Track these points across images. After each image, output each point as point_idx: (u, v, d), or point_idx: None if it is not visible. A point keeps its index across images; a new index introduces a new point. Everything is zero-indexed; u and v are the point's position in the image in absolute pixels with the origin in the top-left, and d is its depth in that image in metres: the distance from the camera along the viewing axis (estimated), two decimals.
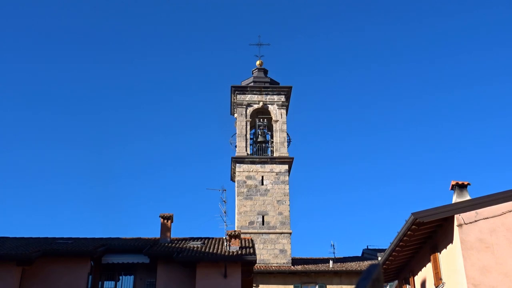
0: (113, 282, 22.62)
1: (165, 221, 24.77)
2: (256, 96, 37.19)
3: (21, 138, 72.46)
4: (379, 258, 24.36)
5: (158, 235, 24.96)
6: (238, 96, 37.11)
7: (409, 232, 17.51)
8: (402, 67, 74.95)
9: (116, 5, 77.35)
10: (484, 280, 15.74)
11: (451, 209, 16.92)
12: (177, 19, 79.09)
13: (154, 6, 77.85)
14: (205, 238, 25.46)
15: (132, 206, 72.64)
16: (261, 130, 36.65)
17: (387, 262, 20.51)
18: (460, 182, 18.45)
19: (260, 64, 39.58)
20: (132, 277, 22.69)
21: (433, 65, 74.53)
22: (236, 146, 35.89)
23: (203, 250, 22.78)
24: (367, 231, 69.39)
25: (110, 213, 71.91)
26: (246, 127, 36.41)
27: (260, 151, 36.27)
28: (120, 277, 22.75)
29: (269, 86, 37.75)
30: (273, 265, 32.15)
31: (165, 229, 24.66)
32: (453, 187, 18.55)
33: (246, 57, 68.15)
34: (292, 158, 35.39)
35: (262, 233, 33.08)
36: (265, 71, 39.53)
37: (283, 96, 37.29)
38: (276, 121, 36.65)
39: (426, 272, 19.36)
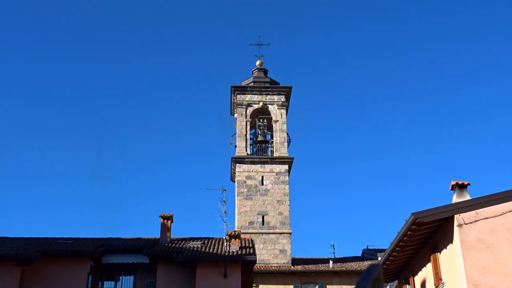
0: (113, 282, 22.62)
1: (165, 221, 24.77)
2: (256, 96, 37.19)
3: (21, 138, 72.55)
4: (379, 258, 24.36)
5: (158, 235, 24.97)
6: (238, 96, 37.12)
7: (409, 232, 17.51)
8: (402, 67, 75.04)
9: (116, 5, 77.41)
10: (484, 280, 15.74)
11: (451, 209, 16.91)
12: (177, 19, 79.16)
13: (154, 6, 77.92)
14: (205, 238, 25.46)
15: (132, 206, 72.72)
16: (261, 130, 36.66)
17: (387, 262, 20.51)
18: (460, 182, 18.45)
19: (260, 64, 39.58)
20: (132, 277, 22.69)
21: (433, 65, 74.63)
22: (236, 146, 35.89)
23: (203, 250, 22.78)
24: (367, 231, 69.45)
25: (110, 213, 71.97)
26: (246, 127, 36.41)
27: (260, 151, 36.27)
28: (120, 277, 22.75)
29: (269, 86, 37.76)
30: (273, 265, 32.15)
31: (165, 229, 24.66)
32: (453, 187, 18.54)
33: (246, 57, 68.22)
34: (292, 158, 35.39)
35: (262, 233, 33.08)
36: (265, 71, 39.53)
37: (283, 96, 37.29)
38: (276, 121, 36.65)
39: (426, 272, 19.36)
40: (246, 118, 36.62)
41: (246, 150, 35.67)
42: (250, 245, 23.56)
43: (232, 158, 35.37)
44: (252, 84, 37.82)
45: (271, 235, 33.14)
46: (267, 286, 30.96)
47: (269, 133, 37.08)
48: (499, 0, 71.99)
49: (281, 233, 33.23)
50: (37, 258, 21.05)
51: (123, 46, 77.11)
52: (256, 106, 37.01)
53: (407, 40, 76.04)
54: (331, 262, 32.27)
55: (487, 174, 69.59)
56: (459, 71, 75.15)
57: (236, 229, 28.12)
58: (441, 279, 17.86)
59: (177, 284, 21.82)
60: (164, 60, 76.81)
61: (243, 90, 37.30)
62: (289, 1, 76.44)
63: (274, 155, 35.59)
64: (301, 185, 67.80)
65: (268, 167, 34.97)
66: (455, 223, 16.46)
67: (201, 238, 25.49)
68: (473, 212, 16.57)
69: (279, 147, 35.82)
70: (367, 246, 36.61)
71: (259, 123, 36.67)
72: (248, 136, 36.38)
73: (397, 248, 19.05)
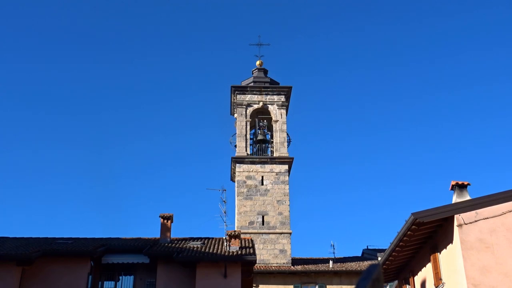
0: (113, 282, 22.62)
1: (165, 221, 24.77)
2: (256, 96, 37.19)
3: (21, 138, 72.55)
4: (379, 258, 24.36)
5: (158, 235, 24.97)
6: (238, 96, 37.11)
7: (409, 232, 17.51)
8: (402, 67, 75.02)
9: (116, 5, 77.41)
10: (484, 280, 15.74)
11: (451, 209, 16.91)
12: (177, 19, 79.16)
13: (154, 6, 77.91)
14: (205, 238, 25.46)
15: (132, 206, 72.72)
16: (261, 130, 36.66)
17: (387, 262, 20.51)
18: (460, 182, 18.44)
19: (260, 64, 39.58)
20: (132, 277, 22.69)
21: (433, 65, 74.63)
22: (236, 146, 35.90)
23: (203, 250, 22.78)
24: (367, 231, 69.44)
25: (110, 213, 71.98)
26: (246, 127, 36.41)
27: (260, 151, 36.27)
28: (120, 277, 22.75)
29: (269, 86, 37.75)
30: (273, 265, 32.15)
31: (165, 229, 24.66)
32: (453, 187, 18.54)
33: (246, 57, 68.19)
34: (292, 158, 35.39)
35: (262, 233, 33.08)
36: (265, 71, 39.53)
37: (283, 96, 37.29)
38: (276, 121, 36.65)
39: (426, 272, 19.36)
40: (246, 118, 36.62)
41: (246, 150, 35.67)
42: (250, 245, 23.57)
43: (232, 158, 35.37)
44: (252, 84, 37.82)
45: (271, 235, 33.13)
46: (267, 286, 30.95)
47: (269, 133, 37.08)
48: (499, 0, 72.05)
49: (281, 233, 33.23)
50: (37, 258, 21.05)
51: (123, 46, 77.18)
52: (256, 106, 37.01)
53: (407, 40, 76.11)
54: (331, 262, 32.26)
55: (487, 174, 69.65)
56: (459, 71, 75.24)
57: (236, 229, 28.12)
58: (441, 279, 17.86)
59: (177, 284, 21.82)
60: (164, 60, 76.89)
61: (243, 90, 37.30)
62: (289, 1, 76.49)
63: (274, 155, 35.59)
64: (301, 185, 67.88)
65: (268, 167, 34.97)
66: (455, 223, 16.46)
67: (201, 238, 25.49)
68: (473, 212, 16.57)
69: (279, 147, 35.82)
70: (367, 246, 36.65)
71: (259, 123, 36.68)
72: (248, 136, 36.38)
73: (397, 248, 19.05)
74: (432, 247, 18.46)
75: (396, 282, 23.68)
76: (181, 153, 76.90)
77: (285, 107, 37.10)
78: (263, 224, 33.43)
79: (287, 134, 36.57)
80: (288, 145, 36.22)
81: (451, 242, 16.79)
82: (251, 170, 34.78)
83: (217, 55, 76.55)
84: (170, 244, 23.68)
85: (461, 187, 18.36)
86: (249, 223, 33.36)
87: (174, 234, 25.36)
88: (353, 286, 28.80)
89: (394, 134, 74.92)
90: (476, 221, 16.44)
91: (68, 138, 73.22)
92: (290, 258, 32.63)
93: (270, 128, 37.11)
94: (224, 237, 24.56)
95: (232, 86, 37.44)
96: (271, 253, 32.65)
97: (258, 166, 34.97)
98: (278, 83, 38.53)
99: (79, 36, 74.65)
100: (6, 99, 71.28)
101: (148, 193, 74.40)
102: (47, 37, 74.51)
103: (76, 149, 73.40)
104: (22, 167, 71.72)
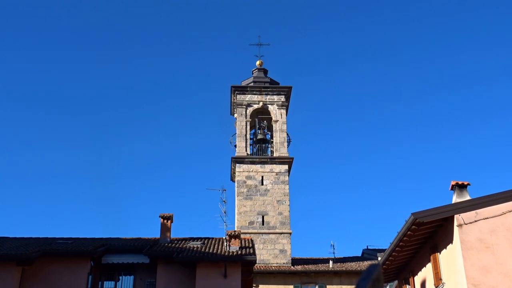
0: (113, 282, 22.62)
1: (165, 221, 24.77)
2: (256, 96, 37.19)
3: (21, 138, 72.54)
4: (379, 258, 24.36)
5: (158, 235, 24.97)
6: (238, 96, 37.12)
7: (409, 232, 17.51)
8: (402, 67, 75.03)
9: (116, 5, 77.42)
10: (484, 280, 15.74)
11: (451, 209, 16.92)
12: (177, 19, 79.16)
13: (154, 6, 77.92)
14: (205, 238, 25.46)
15: (132, 206, 72.72)
16: (261, 130, 36.67)
17: (387, 262, 20.51)
18: (460, 182, 18.44)
19: (260, 64, 39.58)
20: (132, 277, 22.68)
21: (433, 65, 74.64)
22: (236, 146, 35.90)
23: (203, 250, 22.78)
24: (367, 231, 69.45)
25: (110, 213, 71.98)
26: (246, 127, 36.41)
27: (260, 151, 36.27)
28: (120, 277, 22.75)
29: (269, 86, 37.76)
30: (273, 265, 32.15)
31: (165, 229, 24.66)
32: (453, 187, 18.54)
33: (246, 57, 68.21)
34: (292, 158, 35.39)
35: (262, 233, 33.08)
36: (265, 71, 39.53)
37: (283, 96, 37.29)
38: (276, 121, 36.65)
39: (426, 272, 19.36)
40: (246, 118, 36.62)
41: (246, 150, 35.67)
42: (250, 245, 23.56)
43: (232, 158, 35.37)
44: (252, 84, 37.82)
45: (271, 235, 33.13)
46: (267, 286, 30.95)
47: (269, 133, 37.08)
48: (499, 0, 72.06)
49: (281, 233, 33.22)
50: (37, 258, 21.05)
51: (123, 46, 77.19)
52: (256, 106, 37.01)
53: (407, 40, 76.12)
54: (331, 262, 32.26)
55: (487, 174, 69.65)
56: (459, 71, 75.24)
57: (236, 229, 28.12)
58: (441, 279, 17.86)
59: (177, 284, 21.82)
60: (164, 60, 76.90)
61: (243, 90, 37.30)
62: (289, 1, 76.50)
63: (274, 155, 35.60)
64: (301, 185, 67.88)
65: (268, 167, 34.97)
66: (455, 223, 16.46)
67: (201, 238, 25.48)
68: (473, 212, 16.57)
69: (279, 147, 35.82)
70: (367, 246, 36.65)
71: (259, 123, 36.68)
72: (248, 136, 36.38)
73: (397, 248, 19.05)
74: (432, 247, 18.46)
75: (396, 282, 23.68)
76: (181, 153, 76.98)
77: (285, 107, 37.10)
78: (263, 224, 33.43)
79: (287, 134, 36.59)
80: (288, 145, 36.24)
81: (451, 242, 16.79)
82: (251, 170, 34.78)
83: (217, 55, 76.64)
84: (170, 244, 23.68)
85: (461, 187, 18.36)
86: (249, 223, 33.36)
87: (174, 234, 25.41)
88: (353, 286, 28.80)
89: (394, 134, 75.01)
90: (476, 221, 16.45)
91: (68, 138, 73.30)
92: (290, 258, 32.63)
93: (270, 128, 37.11)
94: (224, 237, 24.56)
95: (232, 86, 37.44)
96: (271, 253, 32.65)
97: (258, 166, 34.97)
98: (278, 83, 38.54)
99: (79, 36, 74.74)
100: (6, 99, 71.35)
101: (148, 193, 74.48)
102: (47, 37, 74.58)
103: (76, 149, 73.48)
104: (22, 167, 71.80)
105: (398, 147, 75.07)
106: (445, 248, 17.31)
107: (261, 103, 36.95)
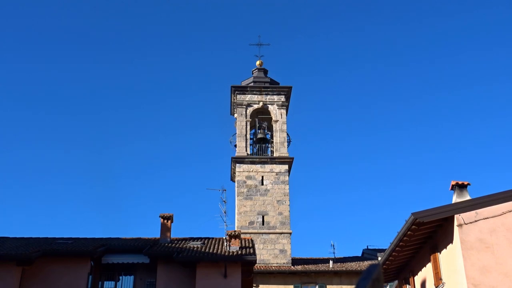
0: (113, 282, 22.62)
1: (165, 221, 24.76)
2: (256, 96, 37.20)
3: (21, 138, 72.55)
4: (379, 258, 24.36)
5: (158, 235, 24.96)
6: (238, 96, 37.12)
7: (409, 232, 17.50)
8: (402, 67, 75.04)
9: (116, 5, 77.42)
10: (484, 280, 15.74)
11: (451, 209, 16.91)
12: (177, 19, 79.16)
13: (154, 6, 77.92)
14: (205, 238, 25.45)
15: (132, 206, 72.73)
16: (262, 130, 36.68)
17: (387, 262, 20.51)
18: (460, 182, 18.45)
19: (260, 64, 39.58)
20: (132, 277, 22.68)
21: (433, 65, 74.65)
22: (236, 146, 35.91)
23: (203, 250, 22.77)
24: (367, 231, 69.46)
25: (110, 213, 71.99)
26: (246, 127, 36.41)
27: (260, 151, 36.28)
28: (120, 277, 22.75)
29: (269, 86, 37.76)
30: (273, 265, 32.15)
31: (165, 229, 24.66)
32: (453, 187, 18.54)
33: (246, 57, 68.22)
34: (292, 158, 35.39)
35: (262, 233, 33.08)
36: (265, 71, 39.53)
37: (283, 96, 37.29)
38: (276, 121, 36.66)
39: (426, 272, 19.36)
40: (246, 118, 36.62)
41: (246, 150, 35.68)
42: (250, 245, 23.56)
43: (232, 158, 35.37)
44: (252, 84, 37.82)
45: (271, 235, 33.14)
46: (267, 286, 30.96)
47: (269, 133, 37.10)
48: (499, 0, 72.06)
49: (281, 233, 33.23)
50: (37, 258, 21.05)
51: (123, 46, 77.19)
52: (256, 106, 37.02)
53: (407, 40, 76.13)
54: (331, 262, 32.26)
55: (487, 174, 69.67)
56: (459, 71, 75.25)
57: (236, 229, 28.09)
58: (441, 279, 17.86)
59: (177, 284, 21.82)
60: (164, 60, 76.90)
61: (243, 90, 37.30)
62: (289, 1, 76.50)
63: (274, 155, 35.60)
64: (301, 185, 67.87)
65: (268, 167, 34.97)
66: (455, 223, 16.46)
67: (201, 238, 25.48)
68: (473, 212, 16.57)
69: (279, 147, 35.82)
70: (367, 246, 36.65)
71: (259, 123, 36.69)
72: (248, 136, 36.39)
73: (397, 248, 19.05)
74: (432, 247, 18.46)
75: (396, 282, 23.69)
76: (181, 153, 77.00)
77: (285, 107, 37.10)
78: (263, 224, 33.44)
79: (287, 134, 36.59)
80: (288, 145, 36.24)
81: (451, 242, 16.79)
82: (251, 170, 34.78)
83: (217, 55, 76.66)
84: (170, 244, 23.67)
85: (461, 187, 18.36)
86: (249, 223, 33.36)
87: (174, 234, 25.40)
88: (353, 286, 28.80)
89: (394, 134, 75.01)
90: (476, 221, 16.44)
91: (68, 138, 73.31)
92: (290, 258, 32.64)
93: (270, 128, 37.12)
94: (224, 237, 24.56)
95: (232, 86, 37.44)
96: (271, 253, 32.65)
97: (258, 166, 34.97)
98: (278, 83, 38.54)
99: (79, 36, 74.74)
100: (6, 99, 71.36)
101: (148, 193, 74.49)
102: (47, 37, 74.59)
103: (76, 149, 73.50)
104: (22, 167, 71.81)
105: (398, 147, 75.15)
106: (445, 248, 17.31)
107: (261, 103, 36.95)
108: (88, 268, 21.66)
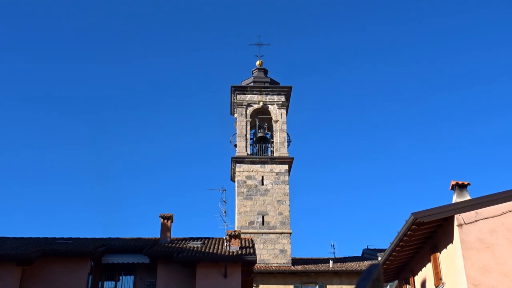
0: (113, 282, 22.62)
1: (165, 221, 24.76)
2: (256, 96, 37.20)
3: (21, 138, 72.55)
4: (379, 258, 24.36)
5: (158, 235, 24.96)
6: (238, 96, 37.12)
7: (409, 232, 17.51)
8: (402, 67, 75.04)
9: (116, 5, 77.42)
10: (484, 280, 15.74)
11: (451, 209, 16.91)
12: (177, 19, 79.15)
13: (154, 6, 77.91)
14: (205, 238, 25.45)
15: (132, 206, 72.74)
16: (262, 130, 36.68)
17: (387, 262, 20.51)
18: (460, 182, 18.45)
19: (260, 64, 39.59)
20: (132, 277, 22.68)
21: (433, 65, 74.65)
22: (236, 146, 35.90)
23: (203, 250, 22.77)
24: (367, 231, 69.46)
25: (110, 213, 72.00)
26: (246, 127, 36.42)
27: (260, 151, 36.28)
28: (120, 277, 22.75)
29: (269, 86, 37.76)
30: (273, 265, 32.15)
31: (165, 229, 24.66)
32: (453, 187, 18.54)
33: (246, 57, 68.23)
34: (292, 158, 35.39)
35: (262, 233, 33.08)
36: (265, 71, 39.53)
37: (283, 96, 37.29)
38: (276, 121, 36.66)
39: (426, 272, 19.36)
40: (246, 118, 36.62)
41: (246, 150, 35.68)
42: (250, 245, 23.56)
43: (232, 158, 35.37)
44: (252, 84, 37.82)
45: (271, 235, 33.13)
46: (267, 286, 30.96)
47: (269, 133, 37.10)
48: (499, 0, 72.06)
49: (281, 233, 33.23)
50: (37, 258, 21.05)
51: (123, 46, 77.19)
52: (256, 106, 37.02)
53: (407, 40, 76.11)
54: (331, 262, 32.26)
55: (487, 174, 69.65)
56: (459, 71, 75.24)
57: (236, 229, 28.09)
58: (441, 279, 17.86)
59: (177, 284, 21.82)
60: (164, 60, 76.90)
61: (243, 90, 37.31)
62: (289, 1, 76.51)
63: (274, 155, 35.60)
64: (301, 185, 67.88)
65: (268, 167, 34.97)
66: (455, 223, 16.46)
67: (201, 238, 25.48)
68: (473, 212, 16.56)
69: (279, 147, 35.82)
70: (367, 246, 36.66)
71: (259, 123, 36.69)
72: (248, 136, 36.39)
73: (397, 248, 19.05)
74: (432, 247, 18.46)
75: (396, 282, 23.68)
76: (181, 153, 77.00)
77: (285, 107, 37.10)
78: (263, 224, 33.44)
79: (287, 134, 36.59)
80: (288, 145, 36.25)
81: (451, 242, 16.79)
82: (251, 170, 34.78)
83: (217, 55, 76.65)
84: (170, 244, 23.67)
85: (461, 187, 18.36)
86: (249, 223, 33.36)
87: (174, 234, 25.39)
88: (353, 286, 28.80)
89: (394, 134, 75.02)
90: (476, 221, 16.44)
91: (68, 138, 73.31)
92: (290, 258, 32.64)
93: (270, 128, 37.12)
94: (224, 237, 24.56)
95: (232, 86, 37.44)
96: (271, 253, 32.65)
97: (258, 166, 34.97)
98: (278, 83, 38.54)
99: (79, 36, 74.73)
100: (6, 99, 71.36)
101: (148, 193, 74.50)
102: (47, 37, 74.59)
103: (76, 149, 73.48)
104: (22, 167, 71.81)
105: (398, 147, 75.14)
106: (445, 248, 17.31)
107: (261, 103, 36.96)
108: (88, 268, 21.66)
